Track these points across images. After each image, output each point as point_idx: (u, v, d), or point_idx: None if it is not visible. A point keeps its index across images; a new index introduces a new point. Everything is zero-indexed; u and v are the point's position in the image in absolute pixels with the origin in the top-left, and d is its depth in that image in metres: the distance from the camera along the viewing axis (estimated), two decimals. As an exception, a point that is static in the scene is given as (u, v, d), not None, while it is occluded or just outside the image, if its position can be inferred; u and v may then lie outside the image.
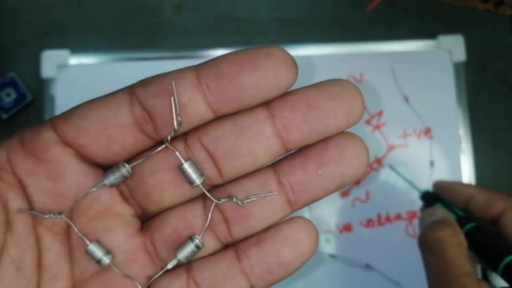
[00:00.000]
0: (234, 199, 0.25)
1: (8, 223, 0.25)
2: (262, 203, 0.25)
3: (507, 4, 0.56)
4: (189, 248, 0.26)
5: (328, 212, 0.54)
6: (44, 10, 0.58)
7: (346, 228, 0.54)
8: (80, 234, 0.25)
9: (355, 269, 0.53)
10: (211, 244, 0.26)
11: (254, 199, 0.25)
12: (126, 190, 0.26)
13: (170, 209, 0.27)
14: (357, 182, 0.54)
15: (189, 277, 0.26)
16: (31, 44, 0.57)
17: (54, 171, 0.25)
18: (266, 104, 0.25)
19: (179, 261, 0.26)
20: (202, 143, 0.25)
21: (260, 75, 0.24)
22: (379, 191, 0.54)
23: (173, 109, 0.24)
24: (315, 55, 0.55)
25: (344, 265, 0.53)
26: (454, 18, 0.58)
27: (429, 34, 0.57)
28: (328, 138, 0.25)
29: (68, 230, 0.26)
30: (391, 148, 0.55)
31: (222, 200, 0.25)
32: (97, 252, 0.25)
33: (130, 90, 0.25)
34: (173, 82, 0.24)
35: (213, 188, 0.26)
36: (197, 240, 0.26)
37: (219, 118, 0.25)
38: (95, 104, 0.25)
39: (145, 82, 0.25)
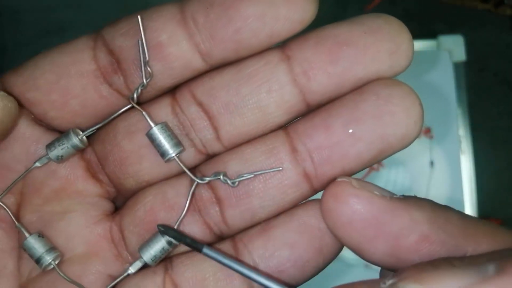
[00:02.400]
0: (221, 178, 0.18)
1: None
2: (267, 177, 0.19)
3: (507, 4, 0.56)
4: (158, 246, 0.19)
5: (328, 212, 0.54)
6: (44, 10, 0.58)
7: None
8: (17, 224, 0.19)
9: (355, 269, 0.53)
10: (198, 234, 0.19)
11: (249, 177, 0.18)
12: (95, 160, 0.20)
13: (148, 187, 0.20)
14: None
15: (167, 277, 0.19)
16: (31, 44, 0.57)
17: None
18: (279, 46, 0.19)
19: (145, 263, 0.19)
20: (195, 95, 0.19)
21: (265, 2, 0.17)
22: (379, 191, 0.54)
23: (141, 55, 0.18)
24: (315, 55, 0.55)
25: (344, 265, 0.53)
26: (454, 18, 0.58)
27: (429, 34, 0.57)
28: (363, 87, 0.18)
29: (17, 215, 0.20)
30: (391, 148, 0.55)
31: (207, 179, 0.19)
32: (37, 248, 0.19)
33: (97, 32, 0.19)
34: (138, 17, 0.18)
35: (209, 158, 0.20)
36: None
37: (218, 68, 0.19)
38: (52, 51, 0.20)
39: (114, 21, 0.19)
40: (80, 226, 0.20)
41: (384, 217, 0.17)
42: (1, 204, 0.19)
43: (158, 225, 0.18)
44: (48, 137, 0.20)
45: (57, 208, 0.20)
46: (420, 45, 0.57)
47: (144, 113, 0.18)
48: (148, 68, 0.18)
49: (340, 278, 0.53)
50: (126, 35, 0.18)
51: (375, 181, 0.54)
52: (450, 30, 0.57)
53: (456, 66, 0.56)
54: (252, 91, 0.19)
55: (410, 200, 0.17)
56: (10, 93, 0.19)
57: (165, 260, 0.20)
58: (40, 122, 0.20)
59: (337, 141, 0.18)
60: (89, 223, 0.20)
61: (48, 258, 0.19)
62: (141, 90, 0.18)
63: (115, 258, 0.20)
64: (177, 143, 0.19)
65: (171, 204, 0.20)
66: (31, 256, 0.19)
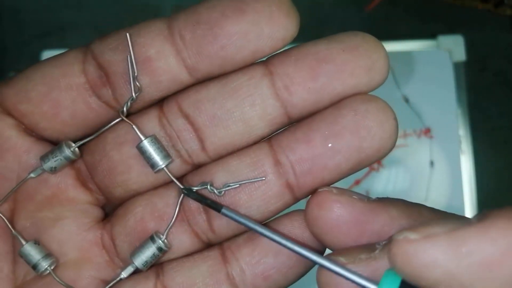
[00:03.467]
0: (208, 187, 0.19)
1: None
2: (252, 189, 0.20)
3: (507, 4, 0.56)
4: (149, 252, 0.20)
5: (328, 212, 0.54)
6: (44, 10, 0.58)
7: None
8: (14, 232, 0.20)
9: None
10: (187, 242, 0.21)
11: (234, 186, 0.19)
12: (84, 169, 0.21)
13: (137, 196, 0.21)
14: (357, 182, 0.54)
15: (158, 282, 0.20)
16: (31, 44, 0.57)
17: None
18: (263, 61, 0.20)
19: (137, 268, 0.20)
20: (181, 108, 0.20)
21: (249, 21, 0.18)
22: (379, 191, 0.54)
23: (130, 70, 0.19)
24: (315, 55, 0.55)
25: (344, 265, 0.53)
26: (454, 18, 0.58)
27: (429, 34, 0.57)
28: (341, 102, 0.19)
29: (11, 221, 0.21)
30: (391, 148, 0.55)
31: (194, 188, 0.20)
32: (33, 255, 0.20)
33: (86, 46, 0.20)
34: (127, 34, 0.19)
35: (195, 168, 0.21)
36: (160, 241, 0.20)
37: (203, 82, 0.20)
38: (43, 64, 0.20)
39: (103, 36, 0.20)
40: (72, 232, 0.21)
41: (366, 218, 0.18)
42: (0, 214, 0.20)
43: (182, 188, 0.19)
44: (39, 147, 0.21)
45: (49, 215, 0.21)
46: (420, 45, 0.57)
47: (134, 126, 0.19)
48: (137, 83, 0.19)
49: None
50: (115, 50, 0.19)
51: (375, 181, 0.54)
52: (450, 30, 0.57)
53: (456, 66, 0.56)
54: (236, 104, 0.19)
55: (385, 200, 0.19)
56: (3, 105, 0.20)
57: (156, 266, 0.21)
58: (31, 132, 0.21)
59: (318, 154, 0.19)
60: (81, 230, 0.21)
61: (44, 264, 0.20)
62: (130, 103, 0.19)
63: (107, 264, 0.21)
64: (166, 155, 0.20)
65: (160, 214, 0.20)
66: (28, 262, 0.20)
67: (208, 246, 0.21)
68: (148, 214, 0.21)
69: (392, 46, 0.57)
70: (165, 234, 0.20)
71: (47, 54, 0.55)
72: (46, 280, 0.21)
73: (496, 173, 0.57)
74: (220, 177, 0.20)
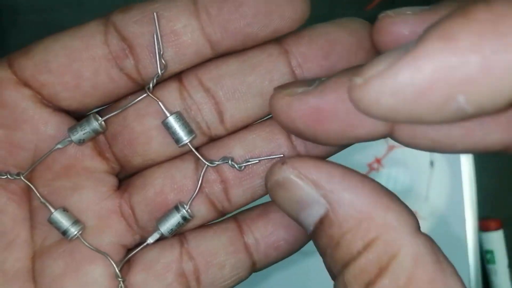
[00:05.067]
0: (229, 162, 0.21)
1: None
2: (269, 161, 0.22)
3: (507, 4, 0.56)
4: (174, 220, 0.21)
5: (328, 212, 0.54)
6: (44, 10, 0.58)
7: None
8: (42, 200, 0.21)
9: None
10: (204, 211, 0.23)
11: (254, 162, 0.21)
12: (103, 140, 0.22)
13: (154, 167, 0.22)
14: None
15: (183, 250, 0.22)
16: (31, 44, 0.57)
17: (8, 117, 0.21)
18: (277, 40, 0.22)
19: (162, 234, 0.22)
20: (202, 82, 0.21)
21: (273, 2, 0.20)
22: (379, 191, 0.54)
23: (155, 46, 0.20)
24: (315, 55, 0.56)
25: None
26: (454, 18, 0.58)
27: (429, 34, 0.57)
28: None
29: (27, 189, 0.22)
30: (391, 148, 0.55)
31: (216, 163, 0.21)
32: (63, 222, 0.21)
33: (106, 17, 0.21)
34: (154, 13, 0.20)
35: (211, 141, 0.22)
36: (184, 211, 0.21)
37: (221, 56, 0.22)
38: (62, 36, 0.21)
39: (125, 8, 0.21)
40: (91, 201, 0.22)
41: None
42: (27, 182, 0.21)
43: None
44: (56, 118, 0.21)
45: (67, 184, 0.22)
46: (420, 45, 0.57)
47: (160, 103, 0.20)
48: (163, 61, 0.20)
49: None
50: (140, 22, 0.20)
51: (375, 181, 0.54)
52: (450, 30, 0.57)
53: (456, 66, 0.56)
54: (256, 79, 0.21)
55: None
56: (21, 76, 0.21)
57: (179, 235, 0.23)
58: (48, 103, 0.21)
59: None
60: (99, 199, 0.22)
61: (73, 230, 0.21)
62: (156, 80, 0.20)
63: (127, 231, 0.22)
64: (190, 131, 0.21)
65: (179, 186, 0.22)
66: (57, 229, 0.21)
67: (222, 215, 0.23)
68: (167, 185, 0.22)
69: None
70: (188, 204, 0.21)
71: (47, 54, 0.56)
72: (66, 246, 0.22)
73: (496, 173, 0.57)
74: (238, 150, 0.22)
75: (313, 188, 0.17)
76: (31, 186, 0.21)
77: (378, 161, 0.55)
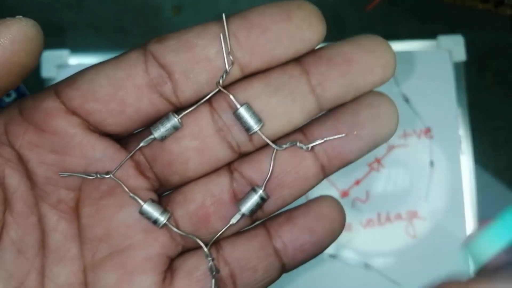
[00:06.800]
0: (298, 144, 0.23)
1: (7, 202, 0.22)
2: (298, 170, 0.24)
3: (507, 4, 0.56)
4: (253, 200, 0.24)
5: (328, 212, 0.54)
6: (44, 10, 0.58)
7: (346, 228, 0.54)
8: (131, 194, 0.23)
9: (355, 269, 0.53)
10: (241, 221, 0.24)
11: (320, 142, 0.23)
12: (144, 161, 0.24)
13: (191, 184, 0.24)
14: (357, 182, 0.54)
15: (219, 256, 0.24)
16: (31, 44, 0.57)
17: (58, 143, 0.22)
18: (297, 60, 0.23)
19: (242, 215, 0.24)
20: (231, 104, 0.23)
21: (295, 26, 0.22)
22: (379, 191, 0.54)
23: (223, 47, 0.22)
24: (315, 55, 0.56)
25: (344, 265, 0.53)
26: (454, 18, 0.58)
27: (429, 34, 0.57)
28: (359, 98, 0.23)
29: (76, 208, 0.24)
30: (391, 148, 0.55)
31: (284, 146, 0.24)
32: (153, 212, 0.23)
33: (144, 48, 0.23)
34: (223, 15, 0.22)
35: (240, 157, 0.24)
36: (261, 191, 0.23)
37: (246, 77, 0.23)
38: (104, 66, 0.23)
39: (160, 38, 0.23)
40: (136, 216, 0.23)
41: None
42: (116, 179, 0.23)
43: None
44: (103, 142, 0.23)
45: (113, 202, 0.23)
46: (420, 45, 0.57)
47: (231, 96, 0.22)
48: (230, 57, 0.22)
49: (340, 278, 0.53)
50: (177, 51, 0.22)
51: (375, 181, 0.54)
52: (450, 30, 0.57)
53: (456, 66, 0.56)
54: (280, 101, 0.23)
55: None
56: (69, 105, 0.22)
57: (215, 244, 0.24)
58: (95, 129, 0.23)
59: (346, 140, 0.23)
60: None
61: (162, 219, 0.23)
62: (225, 76, 0.22)
63: (170, 242, 0.24)
64: (259, 120, 0.23)
65: (218, 199, 0.24)
66: (149, 218, 0.23)
67: (253, 222, 0.25)
68: (208, 200, 0.24)
69: (392, 46, 0.57)
70: (263, 185, 0.24)
71: (47, 54, 0.55)
72: (118, 259, 0.23)
73: (496, 173, 0.57)
74: (266, 164, 0.24)
75: None
76: (120, 182, 0.23)
77: (378, 161, 0.55)
